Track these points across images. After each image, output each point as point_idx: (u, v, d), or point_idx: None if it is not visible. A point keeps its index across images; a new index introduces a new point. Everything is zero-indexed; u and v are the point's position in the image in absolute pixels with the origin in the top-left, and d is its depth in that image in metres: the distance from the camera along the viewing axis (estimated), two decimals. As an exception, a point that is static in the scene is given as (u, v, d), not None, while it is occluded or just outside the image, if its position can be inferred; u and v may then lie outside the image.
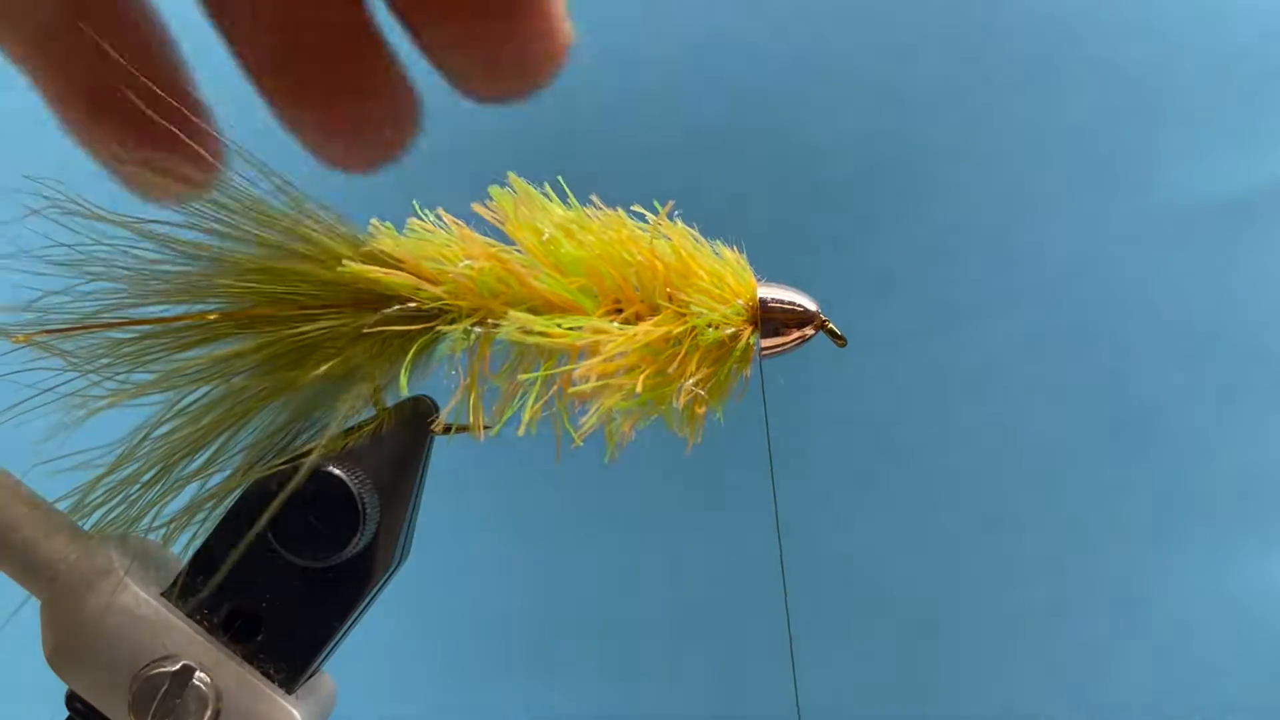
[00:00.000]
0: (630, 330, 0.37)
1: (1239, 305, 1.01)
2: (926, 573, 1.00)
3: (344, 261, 0.38)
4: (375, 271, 0.37)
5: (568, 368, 0.37)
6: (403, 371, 0.37)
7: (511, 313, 0.37)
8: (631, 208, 0.39)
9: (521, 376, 0.38)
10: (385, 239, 0.39)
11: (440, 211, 0.40)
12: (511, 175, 0.40)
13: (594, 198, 0.40)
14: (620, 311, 0.38)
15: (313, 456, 0.37)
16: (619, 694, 0.99)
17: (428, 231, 0.39)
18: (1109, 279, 1.01)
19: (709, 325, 0.38)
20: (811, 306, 0.40)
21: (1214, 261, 1.01)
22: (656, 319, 0.38)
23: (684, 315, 0.38)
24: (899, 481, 1.01)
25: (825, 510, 1.00)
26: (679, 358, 0.37)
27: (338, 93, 0.45)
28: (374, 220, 0.40)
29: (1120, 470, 1.00)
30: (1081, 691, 0.98)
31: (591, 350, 0.37)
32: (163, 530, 0.41)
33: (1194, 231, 1.01)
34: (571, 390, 0.37)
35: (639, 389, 0.37)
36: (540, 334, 0.37)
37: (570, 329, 0.37)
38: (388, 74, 0.46)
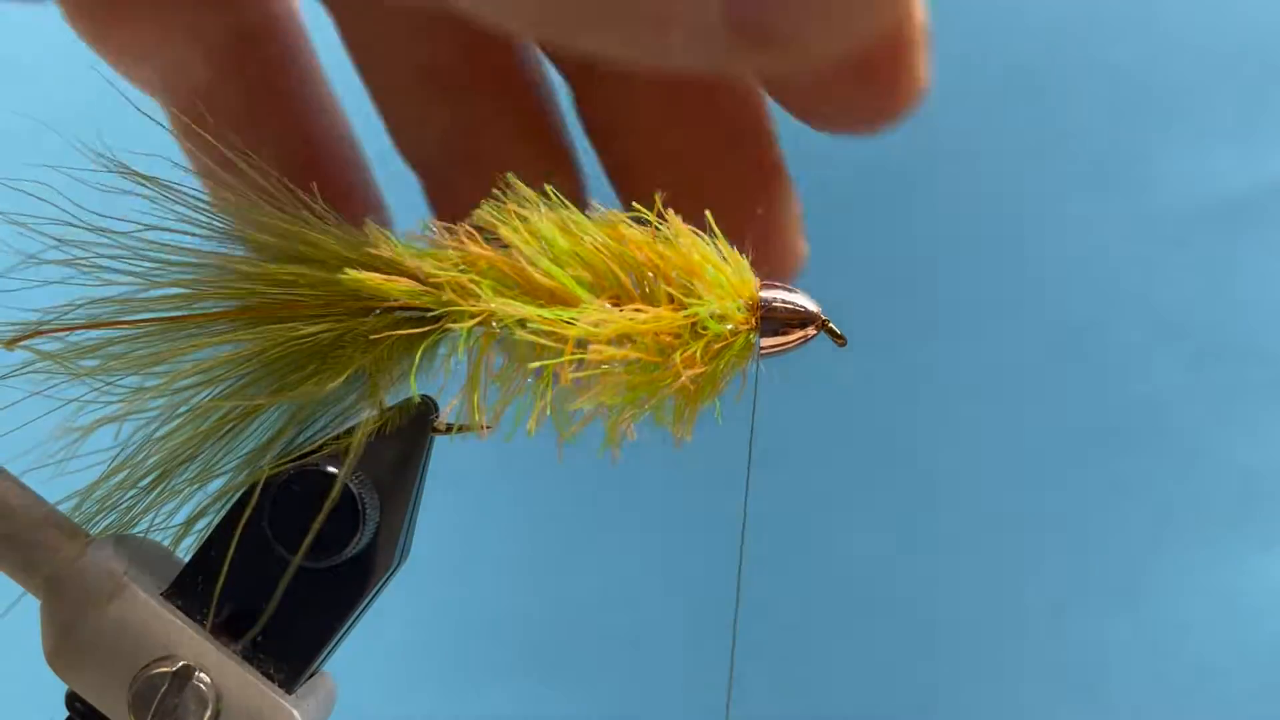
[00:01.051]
0: (630, 313, 0.37)
1: (1239, 305, 1.01)
2: (926, 573, 1.00)
3: (345, 269, 0.38)
4: (376, 278, 0.38)
5: (566, 358, 0.37)
6: (410, 375, 0.37)
7: (508, 303, 0.37)
8: (633, 204, 0.39)
9: (528, 367, 0.38)
10: (385, 245, 0.39)
11: (431, 225, 0.40)
12: (510, 176, 0.40)
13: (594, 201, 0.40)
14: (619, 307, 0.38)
15: (313, 457, 0.37)
16: (621, 695, 0.99)
17: (430, 238, 0.39)
18: (1109, 279, 1.01)
19: (711, 315, 0.38)
20: (813, 308, 0.40)
21: (1214, 261, 1.01)
22: (658, 309, 0.38)
23: (684, 308, 0.38)
24: (899, 482, 1.01)
25: (825, 511, 1.00)
26: (677, 350, 0.37)
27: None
28: (369, 223, 0.40)
29: (1120, 470, 1.00)
30: (1081, 691, 0.98)
31: (590, 341, 0.37)
32: (163, 530, 0.42)
33: (1194, 231, 1.01)
34: (569, 377, 0.37)
35: (633, 370, 0.37)
36: (539, 326, 0.37)
37: (569, 319, 0.37)
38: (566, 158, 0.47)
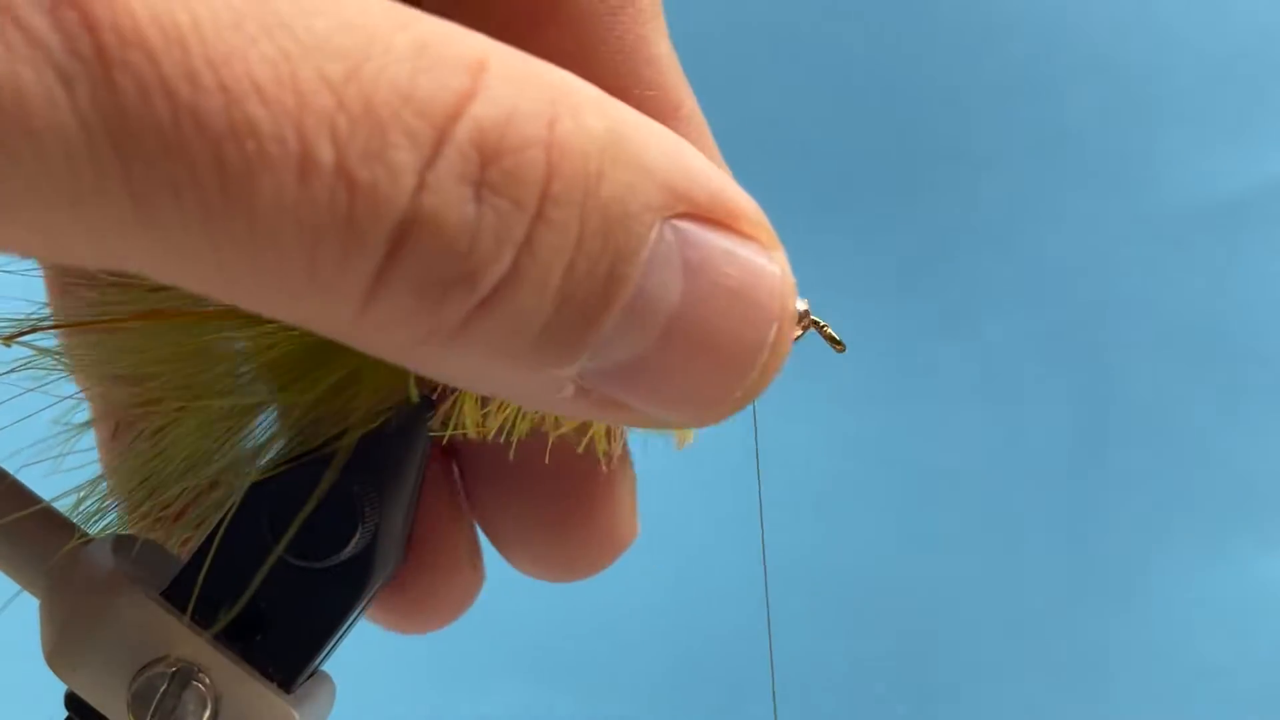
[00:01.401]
0: None
1: (1239, 305, 1.01)
2: (925, 572, 1.00)
3: None
4: None
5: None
6: (411, 380, 0.37)
7: None
8: None
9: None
10: None
11: None
12: None
13: None
14: None
15: (312, 456, 0.37)
16: (621, 695, 0.99)
17: None
18: (1109, 279, 1.01)
19: None
20: (801, 306, 0.40)
21: (1214, 261, 1.01)
22: None
23: None
24: (899, 481, 1.01)
25: (824, 510, 1.00)
26: None
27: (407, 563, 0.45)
28: None
29: (1120, 470, 1.00)
30: (1082, 691, 0.98)
31: None
32: (163, 529, 0.41)
33: (1194, 231, 1.01)
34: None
35: None
36: None
37: None
38: (466, 553, 0.46)
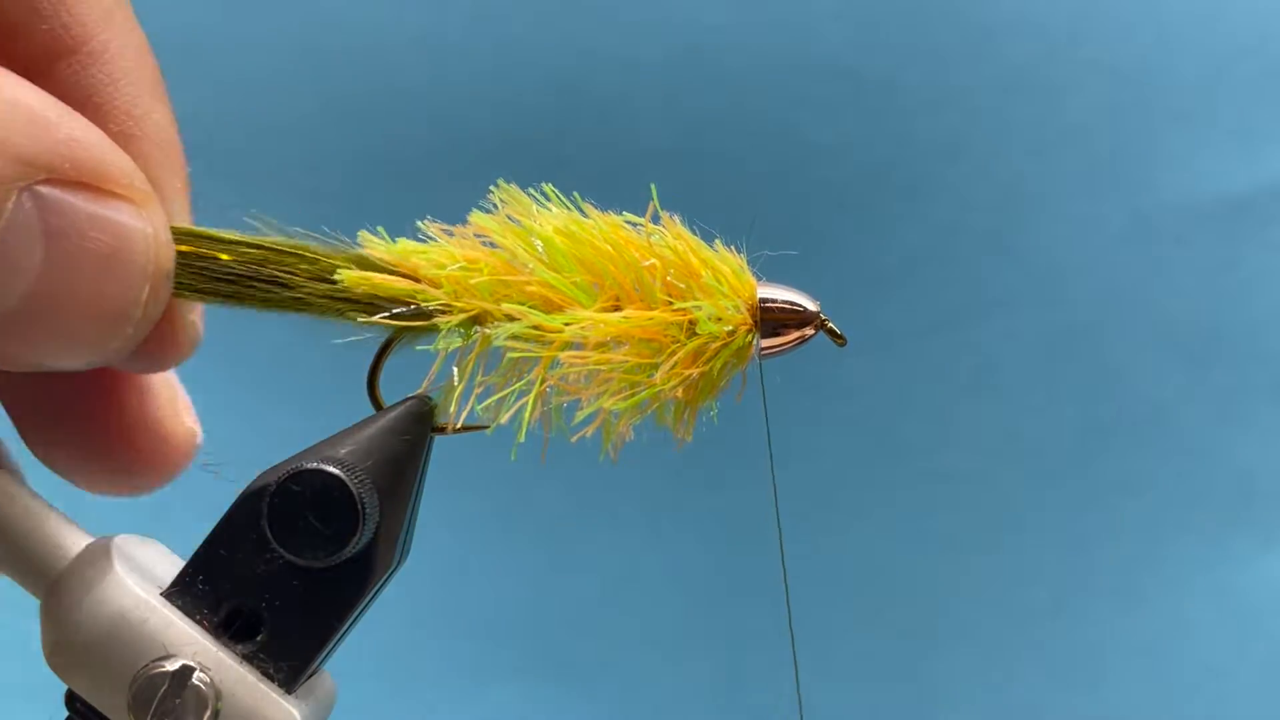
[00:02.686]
0: (623, 315, 0.37)
1: (1239, 305, 1.01)
2: (927, 572, 1.01)
3: (339, 271, 0.38)
4: (374, 278, 0.38)
5: (563, 355, 0.37)
6: (435, 389, 0.38)
7: (506, 305, 0.37)
8: (624, 213, 0.39)
9: (509, 385, 0.38)
10: (377, 247, 0.39)
11: (427, 225, 0.40)
12: (501, 182, 0.39)
13: (587, 205, 0.40)
14: (619, 310, 0.38)
15: (312, 456, 0.37)
16: (621, 695, 0.99)
17: (429, 239, 0.39)
18: (1109, 279, 1.01)
19: (708, 316, 0.38)
20: (812, 306, 0.40)
21: (1214, 261, 1.01)
22: (652, 312, 0.38)
23: (683, 311, 0.38)
24: (900, 481, 1.01)
25: (826, 510, 1.00)
26: (674, 351, 0.37)
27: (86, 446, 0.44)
28: (363, 231, 0.40)
29: (1120, 470, 1.00)
30: (1082, 691, 0.98)
31: (587, 346, 0.37)
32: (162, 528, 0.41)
33: (1194, 231, 1.01)
34: (562, 383, 0.37)
35: (629, 377, 0.37)
36: (534, 328, 0.37)
37: (565, 324, 0.37)
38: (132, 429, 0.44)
